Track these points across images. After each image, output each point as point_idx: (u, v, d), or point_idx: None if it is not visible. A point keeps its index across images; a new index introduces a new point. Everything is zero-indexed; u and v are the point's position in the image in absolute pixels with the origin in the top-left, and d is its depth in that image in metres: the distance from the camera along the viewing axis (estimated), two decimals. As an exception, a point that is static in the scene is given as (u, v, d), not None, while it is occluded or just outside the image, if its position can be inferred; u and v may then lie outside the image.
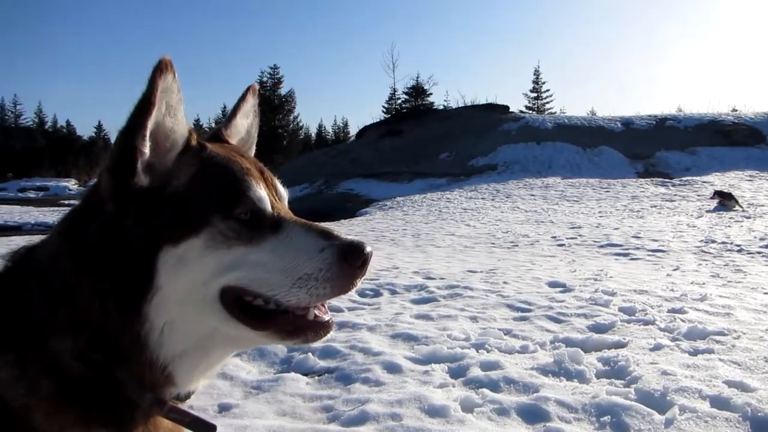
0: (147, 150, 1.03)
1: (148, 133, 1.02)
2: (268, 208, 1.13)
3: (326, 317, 1.15)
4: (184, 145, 1.11)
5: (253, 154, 1.40)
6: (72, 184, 50.67)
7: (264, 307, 1.09)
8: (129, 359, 1.03)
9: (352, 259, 1.08)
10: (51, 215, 24.50)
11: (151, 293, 1.02)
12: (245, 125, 1.40)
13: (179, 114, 1.08)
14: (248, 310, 1.09)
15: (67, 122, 77.47)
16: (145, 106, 1.01)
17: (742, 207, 15.70)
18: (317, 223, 1.17)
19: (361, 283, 1.14)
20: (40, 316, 1.02)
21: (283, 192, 1.25)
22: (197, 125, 72.98)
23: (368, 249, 1.11)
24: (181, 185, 1.07)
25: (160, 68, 1.01)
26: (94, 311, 1.01)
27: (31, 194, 43.08)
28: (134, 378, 1.04)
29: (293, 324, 1.10)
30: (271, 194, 1.17)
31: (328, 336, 1.15)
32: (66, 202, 36.55)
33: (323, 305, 1.15)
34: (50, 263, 1.06)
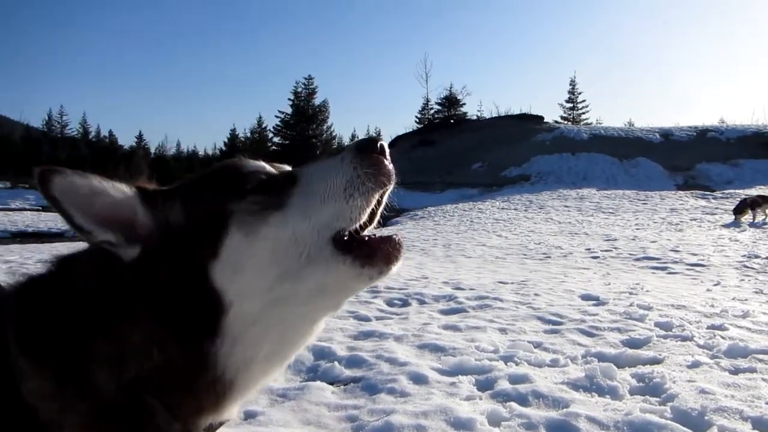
0: (106, 236, 1.01)
1: (92, 228, 1.00)
2: (273, 170, 1.13)
3: (392, 234, 1.13)
4: (141, 201, 1.06)
5: None
6: (113, 192, 51.82)
7: (342, 241, 1.06)
8: (186, 389, 1.00)
9: (370, 149, 1.09)
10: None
11: (223, 314, 0.99)
12: None
13: (105, 189, 1.03)
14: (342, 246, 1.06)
15: (110, 132, 79.82)
16: (64, 216, 1.00)
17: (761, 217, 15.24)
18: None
19: (395, 174, 1.12)
20: (79, 341, 1.00)
21: (286, 167, 1.24)
22: (233, 135, 74.39)
23: (379, 138, 1.13)
24: (180, 219, 1.05)
25: (41, 181, 0.98)
26: (150, 355, 0.98)
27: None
28: (166, 406, 1.00)
29: (368, 247, 1.07)
30: (272, 166, 1.17)
31: (398, 264, 1.10)
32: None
33: (396, 245, 1.11)
34: (90, 291, 1.03)
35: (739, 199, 19.10)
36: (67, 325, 1.00)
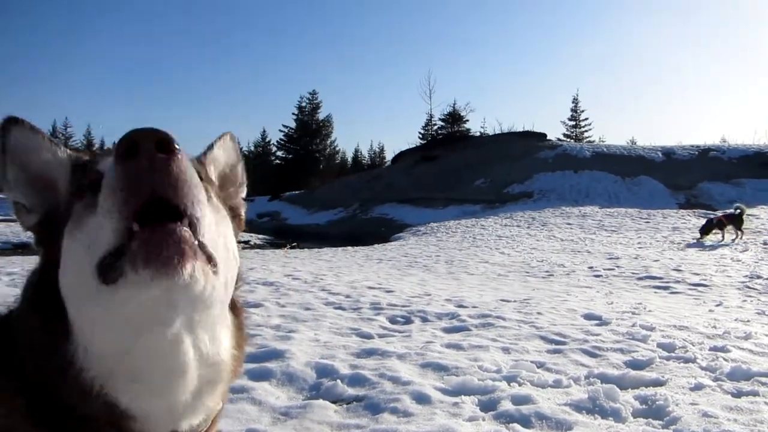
0: (23, 200, 1.04)
1: (19, 187, 1.03)
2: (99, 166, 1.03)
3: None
4: (71, 169, 1.03)
5: (242, 196, 1.34)
6: (115, 204, 52.10)
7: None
8: (68, 391, 0.91)
9: (123, 156, 0.80)
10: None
11: (64, 310, 0.92)
12: (223, 157, 1.27)
13: (44, 147, 1.04)
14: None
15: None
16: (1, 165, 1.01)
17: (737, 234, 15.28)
18: None
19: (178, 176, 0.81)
20: (14, 349, 0.99)
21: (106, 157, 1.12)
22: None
23: (141, 129, 0.83)
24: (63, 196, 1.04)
25: (2, 130, 0.99)
26: (31, 344, 0.96)
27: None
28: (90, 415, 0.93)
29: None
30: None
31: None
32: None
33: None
34: (23, 298, 1.06)
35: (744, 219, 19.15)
36: (9, 341, 1.00)
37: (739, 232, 15.69)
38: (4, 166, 1.02)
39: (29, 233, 1.09)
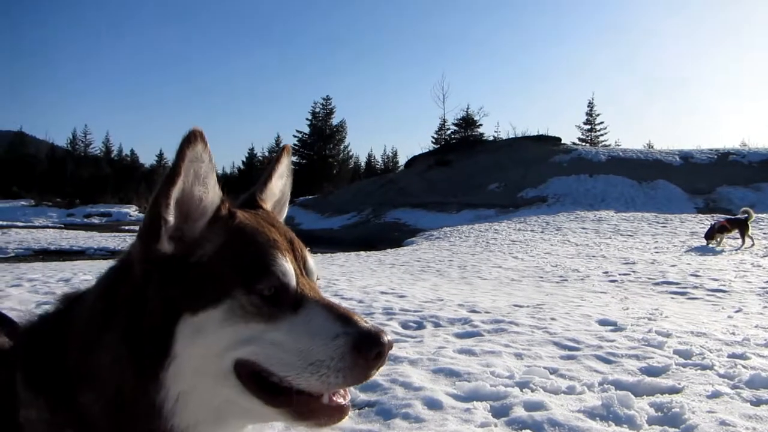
0: (171, 218, 1.05)
1: (172, 203, 1.04)
2: (293, 283, 1.10)
3: (342, 401, 1.09)
4: (213, 213, 1.11)
5: (285, 214, 1.40)
6: (133, 211, 52.95)
7: (279, 384, 1.05)
8: (142, 426, 1.03)
9: (366, 351, 1.03)
10: (113, 240, 25.64)
11: (168, 361, 1.02)
12: (279, 186, 1.38)
13: (210, 182, 1.08)
14: (264, 385, 1.06)
15: (132, 151, 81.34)
16: (171, 176, 1.02)
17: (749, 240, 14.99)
18: (340, 306, 1.12)
19: (377, 374, 1.08)
20: (71, 367, 1.05)
21: (313, 265, 1.22)
22: (251, 154, 75.27)
23: (386, 339, 1.04)
24: (206, 255, 1.08)
25: (189, 139, 1.02)
26: (112, 373, 1.02)
27: (95, 220, 45.24)
28: None
29: (306, 406, 1.06)
30: (298, 268, 1.15)
31: (343, 422, 1.09)
32: (127, 227, 38.24)
33: (344, 389, 1.10)
34: (86, 317, 1.09)
35: (764, 224, 18.79)
36: (62, 355, 1.06)
37: (748, 239, 15.36)
38: (176, 174, 1.03)
39: (147, 251, 1.06)
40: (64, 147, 72.87)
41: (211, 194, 1.09)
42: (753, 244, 15.15)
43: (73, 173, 63.54)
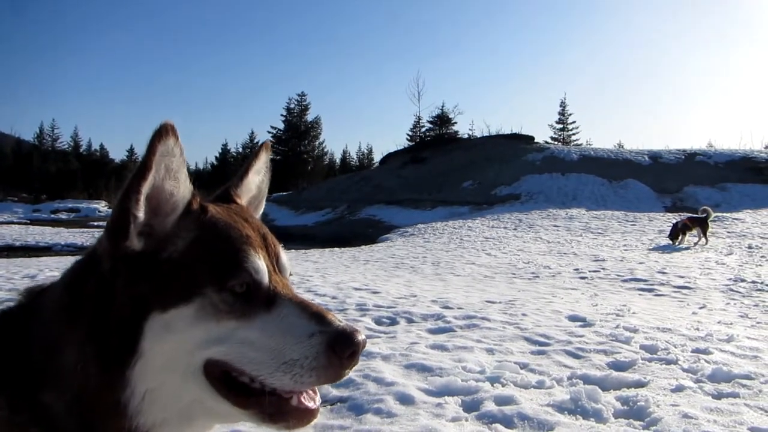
0: (141, 214, 1.03)
1: (142, 198, 1.02)
2: (265, 280, 1.09)
3: (311, 405, 1.09)
4: (185, 208, 1.09)
5: (261, 211, 1.39)
6: (102, 206, 51.83)
7: (249, 385, 1.05)
8: (107, 424, 1.01)
9: (340, 350, 1.03)
10: (81, 236, 25.06)
11: (134, 358, 0.99)
12: (256, 182, 1.36)
13: (181, 177, 1.07)
14: (233, 386, 1.05)
15: (101, 146, 79.43)
16: (141, 170, 1.00)
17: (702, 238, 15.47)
18: (314, 303, 1.12)
19: (350, 373, 1.08)
20: (34, 364, 1.02)
21: (286, 262, 1.21)
22: (225, 150, 74.39)
23: (359, 338, 1.05)
24: (177, 251, 1.06)
25: (161, 133, 1.00)
26: (76, 370, 1.00)
27: (63, 216, 44.14)
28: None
29: (276, 407, 1.05)
30: (271, 264, 1.14)
31: (312, 424, 1.09)
32: (96, 223, 37.42)
33: (313, 390, 1.11)
34: (50, 312, 1.05)
35: (728, 223, 19.34)
36: (23, 353, 1.02)
37: (704, 238, 15.79)
38: (147, 169, 1.00)
39: (116, 246, 1.03)
40: (30, 141, 70.82)
41: (182, 189, 1.07)
42: (707, 243, 15.57)
43: (40, 168, 61.83)
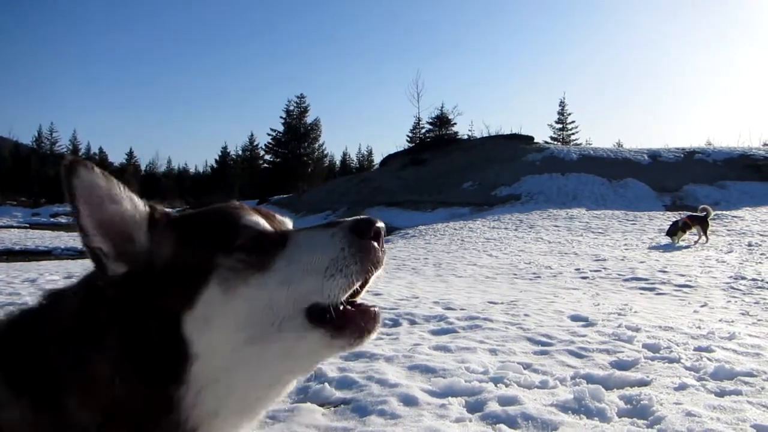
0: (105, 246, 1.02)
1: (93, 233, 1.01)
2: (268, 227, 1.11)
3: (369, 304, 1.12)
4: (148, 220, 1.08)
5: None
6: (102, 209, 51.58)
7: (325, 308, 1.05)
8: (146, 426, 1.00)
9: (363, 232, 1.07)
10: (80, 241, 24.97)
11: (188, 364, 0.99)
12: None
13: (121, 197, 1.06)
14: (315, 316, 1.05)
15: (100, 149, 79.36)
16: (74, 211, 1.00)
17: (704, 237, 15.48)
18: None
19: (385, 259, 1.09)
20: (56, 370, 1.01)
21: (284, 219, 1.22)
22: (224, 153, 74.38)
23: (375, 219, 1.09)
24: (169, 254, 1.05)
25: (70, 171, 0.99)
26: (112, 386, 0.99)
27: (63, 219, 44.11)
28: None
29: (342, 318, 1.06)
30: (269, 221, 1.15)
31: (378, 326, 1.10)
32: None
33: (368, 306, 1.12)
34: (68, 329, 1.04)
35: (728, 221, 19.34)
36: (46, 357, 1.02)
37: (704, 236, 15.80)
38: (77, 209, 1.00)
39: (105, 279, 1.03)
40: (29, 145, 70.82)
41: (131, 206, 1.06)
42: (707, 241, 15.58)
43: (39, 172, 61.86)
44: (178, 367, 0.99)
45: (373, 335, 1.09)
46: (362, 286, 1.11)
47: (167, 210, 1.15)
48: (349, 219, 1.10)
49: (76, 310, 1.06)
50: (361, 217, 1.10)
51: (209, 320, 1.00)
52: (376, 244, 1.09)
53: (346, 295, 1.07)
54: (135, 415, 1.00)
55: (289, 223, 1.23)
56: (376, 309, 1.11)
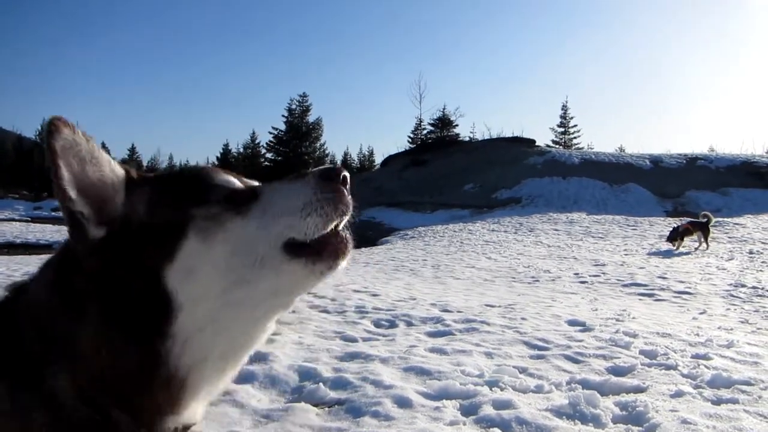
0: (85, 209, 1.01)
1: (73, 195, 1.00)
2: (240, 184, 1.14)
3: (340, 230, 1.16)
4: (125, 182, 1.08)
5: None
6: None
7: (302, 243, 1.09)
8: (140, 388, 1.00)
9: (331, 176, 1.13)
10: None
11: (173, 317, 0.99)
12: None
13: (101, 159, 1.05)
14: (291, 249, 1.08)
15: (102, 144, 77.82)
16: (54, 172, 0.98)
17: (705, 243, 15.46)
18: None
19: (352, 205, 1.14)
20: (35, 352, 0.99)
21: (254, 182, 1.24)
22: (226, 150, 74.48)
23: (342, 169, 1.15)
24: (144, 212, 1.06)
25: (51, 130, 0.97)
26: (99, 354, 0.98)
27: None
28: (129, 414, 1.00)
29: (321, 242, 1.09)
30: (241, 181, 1.17)
31: (348, 252, 1.14)
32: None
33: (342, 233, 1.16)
34: (44, 308, 1.03)
35: (729, 228, 19.30)
36: (23, 337, 1.00)
37: (705, 243, 15.78)
38: (58, 170, 0.98)
39: (85, 245, 1.02)
40: (32, 138, 70.85)
41: (108, 169, 1.06)
42: (707, 248, 15.56)
43: (41, 165, 61.93)
44: (164, 321, 0.99)
45: (348, 257, 1.13)
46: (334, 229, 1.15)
47: (141, 172, 1.16)
48: (317, 169, 1.15)
49: (51, 287, 1.04)
50: (326, 165, 1.16)
51: (191, 270, 1.01)
52: (343, 187, 1.14)
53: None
54: (125, 379, 0.99)
55: (257, 183, 1.26)
56: (346, 233, 1.15)
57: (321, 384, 3.75)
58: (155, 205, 1.06)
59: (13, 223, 33.54)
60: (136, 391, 1.00)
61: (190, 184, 1.10)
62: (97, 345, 0.98)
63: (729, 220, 21.74)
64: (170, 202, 1.06)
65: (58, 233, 25.95)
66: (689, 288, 9.27)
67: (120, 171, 1.09)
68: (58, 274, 1.06)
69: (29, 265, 10.31)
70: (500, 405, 3.50)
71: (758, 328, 6.24)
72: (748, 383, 4.05)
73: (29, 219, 37.57)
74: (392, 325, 5.82)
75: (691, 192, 29.30)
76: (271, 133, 65.44)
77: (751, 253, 14.59)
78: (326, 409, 3.46)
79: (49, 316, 1.02)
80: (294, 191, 1.10)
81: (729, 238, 18.06)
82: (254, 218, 1.07)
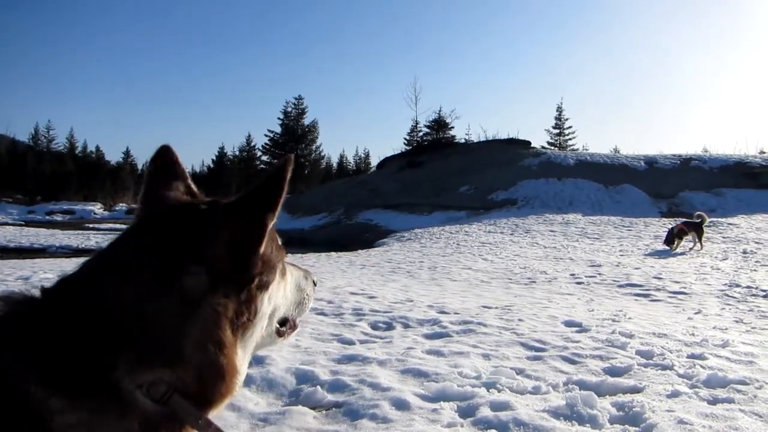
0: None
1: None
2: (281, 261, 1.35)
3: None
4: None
5: None
6: (98, 208, 51.63)
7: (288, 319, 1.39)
8: (225, 384, 1.06)
9: (315, 281, 1.49)
10: (76, 238, 24.97)
11: (257, 320, 1.15)
12: None
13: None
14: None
15: (97, 147, 78.89)
16: (281, 188, 1.07)
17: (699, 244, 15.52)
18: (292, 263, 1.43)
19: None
20: (112, 359, 0.91)
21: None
22: (221, 153, 74.31)
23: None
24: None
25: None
26: (201, 356, 1.00)
27: (58, 217, 43.95)
28: (201, 407, 1.03)
29: (291, 325, 1.39)
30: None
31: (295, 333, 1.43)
32: (91, 225, 37.27)
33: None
34: (142, 310, 0.95)
35: (723, 228, 19.39)
36: (97, 350, 0.90)
37: (699, 243, 15.84)
38: (283, 189, 1.08)
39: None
40: (25, 142, 70.49)
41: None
42: (702, 248, 15.61)
43: (35, 169, 61.56)
44: (254, 324, 1.15)
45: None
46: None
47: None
48: (306, 268, 1.47)
49: (157, 302, 0.96)
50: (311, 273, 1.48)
51: (270, 296, 1.20)
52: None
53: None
54: (215, 383, 1.04)
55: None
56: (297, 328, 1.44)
57: (318, 387, 3.75)
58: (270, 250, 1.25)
59: (7, 227, 33.40)
60: (222, 388, 1.05)
61: (278, 245, 1.30)
62: (203, 348, 1.00)
63: (723, 220, 21.84)
64: (274, 252, 1.24)
65: (52, 237, 25.85)
66: (684, 288, 9.31)
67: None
68: (168, 270, 0.98)
69: (23, 270, 10.26)
70: (498, 406, 3.50)
71: (753, 328, 6.27)
72: (743, 382, 4.07)
73: (23, 223, 37.44)
74: (389, 327, 5.82)
75: (685, 193, 29.42)
76: (266, 135, 65.49)
77: (745, 252, 14.66)
78: (324, 411, 3.46)
79: (153, 320, 0.95)
80: (305, 280, 1.44)
81: (723, 238, 18.14)
82: (292, 278, 1.38)
